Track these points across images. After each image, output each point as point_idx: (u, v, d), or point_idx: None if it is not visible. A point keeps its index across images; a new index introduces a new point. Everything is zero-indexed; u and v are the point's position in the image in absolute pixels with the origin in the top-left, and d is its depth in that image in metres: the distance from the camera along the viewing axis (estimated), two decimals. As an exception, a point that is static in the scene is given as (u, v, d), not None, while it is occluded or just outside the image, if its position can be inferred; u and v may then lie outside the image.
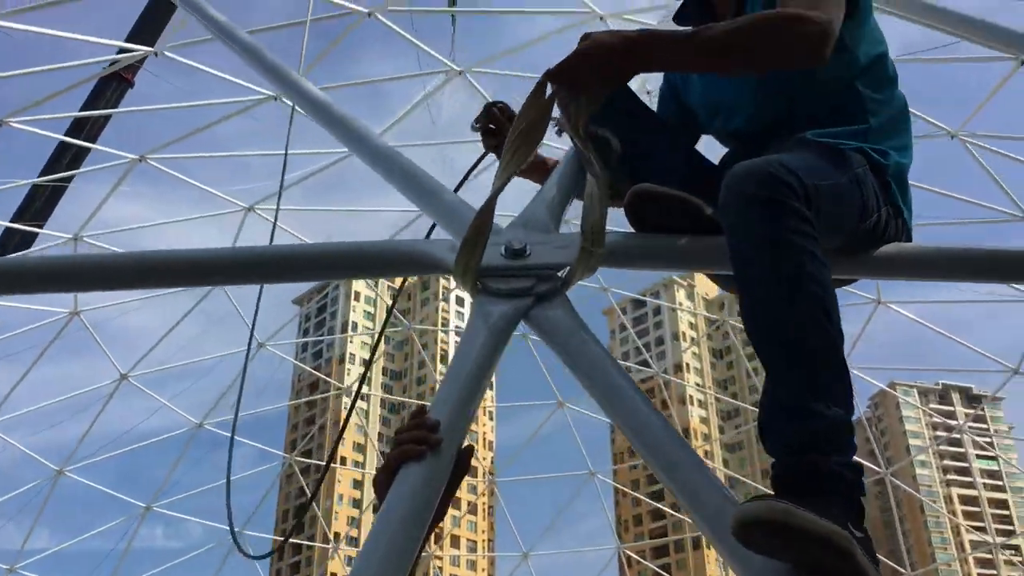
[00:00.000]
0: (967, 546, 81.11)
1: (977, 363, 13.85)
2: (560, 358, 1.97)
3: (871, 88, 2.14)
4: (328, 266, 2.39)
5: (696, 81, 2.36)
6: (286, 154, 3.69)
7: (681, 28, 2.27)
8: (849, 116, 2.10)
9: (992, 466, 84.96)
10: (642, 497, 34.25)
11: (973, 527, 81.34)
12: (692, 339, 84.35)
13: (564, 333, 1.96)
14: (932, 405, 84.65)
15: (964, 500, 74.59)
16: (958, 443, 79.57)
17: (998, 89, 9.03)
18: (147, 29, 11.31)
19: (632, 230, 2.19)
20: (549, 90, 2.03)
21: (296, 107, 3.41)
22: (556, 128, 2.07)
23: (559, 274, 2.04)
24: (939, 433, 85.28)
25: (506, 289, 2.01)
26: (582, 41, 1.98)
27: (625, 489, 28.92)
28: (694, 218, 2.06)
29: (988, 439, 76.66)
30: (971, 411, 73.49)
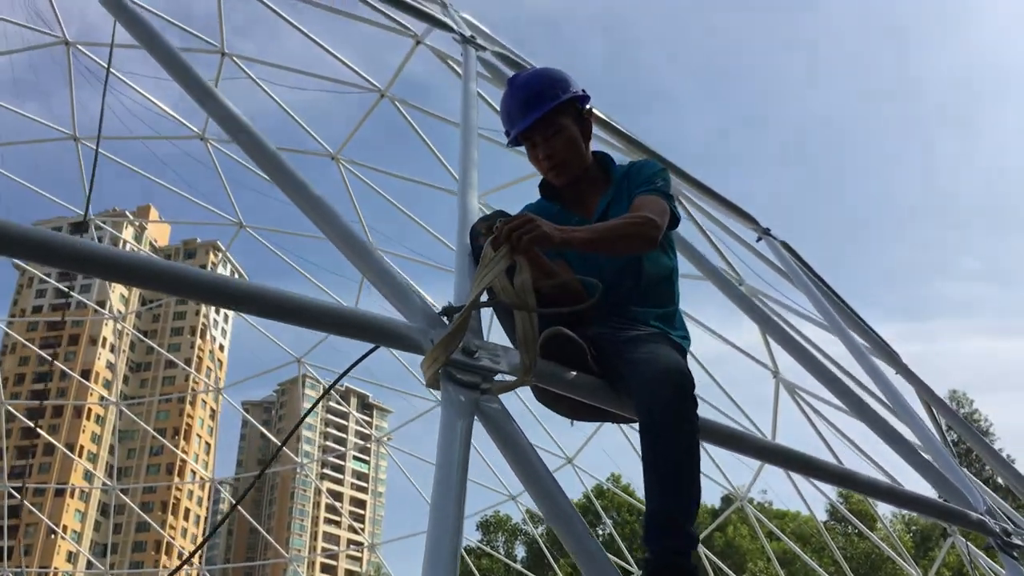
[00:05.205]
0: (320, 536, 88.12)
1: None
2: (499, 446, 2.61)
3: (676, 282, 3.16)
4: (298, 315, 2.53)
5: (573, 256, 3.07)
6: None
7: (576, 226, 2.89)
8: (667, 300, 3.07)
9: (363, 468, 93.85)
10: None
11: (330, 519, 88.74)
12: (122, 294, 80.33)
13: (504, 427, 2.60)
14: (331, 403, 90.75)
15: (331, 495, 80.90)
16: (342, 443, 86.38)
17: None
18: None
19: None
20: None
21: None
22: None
23: (494, 377, 2.67)
24: (329, 430, 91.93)
25: (465, 381, 2.57)
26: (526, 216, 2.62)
27: None
28: (581, 358, 2.84)
29: (368, 445, 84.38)
30: (363, 416, 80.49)
